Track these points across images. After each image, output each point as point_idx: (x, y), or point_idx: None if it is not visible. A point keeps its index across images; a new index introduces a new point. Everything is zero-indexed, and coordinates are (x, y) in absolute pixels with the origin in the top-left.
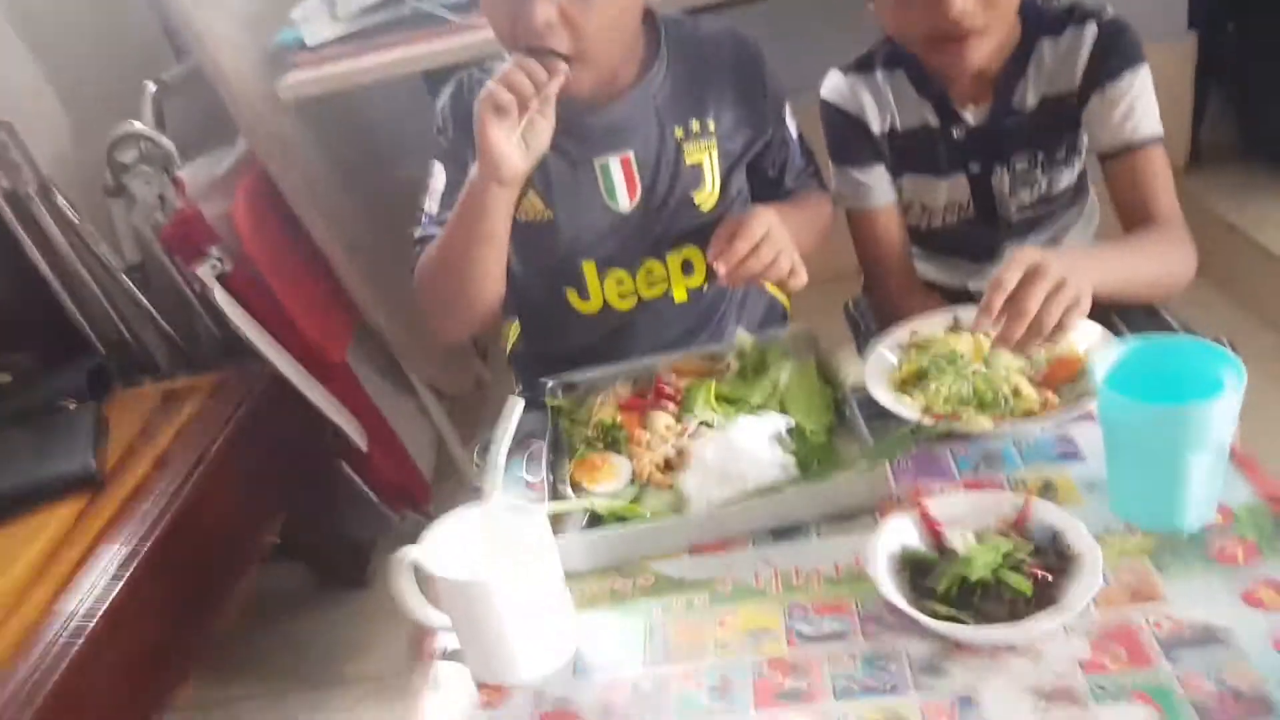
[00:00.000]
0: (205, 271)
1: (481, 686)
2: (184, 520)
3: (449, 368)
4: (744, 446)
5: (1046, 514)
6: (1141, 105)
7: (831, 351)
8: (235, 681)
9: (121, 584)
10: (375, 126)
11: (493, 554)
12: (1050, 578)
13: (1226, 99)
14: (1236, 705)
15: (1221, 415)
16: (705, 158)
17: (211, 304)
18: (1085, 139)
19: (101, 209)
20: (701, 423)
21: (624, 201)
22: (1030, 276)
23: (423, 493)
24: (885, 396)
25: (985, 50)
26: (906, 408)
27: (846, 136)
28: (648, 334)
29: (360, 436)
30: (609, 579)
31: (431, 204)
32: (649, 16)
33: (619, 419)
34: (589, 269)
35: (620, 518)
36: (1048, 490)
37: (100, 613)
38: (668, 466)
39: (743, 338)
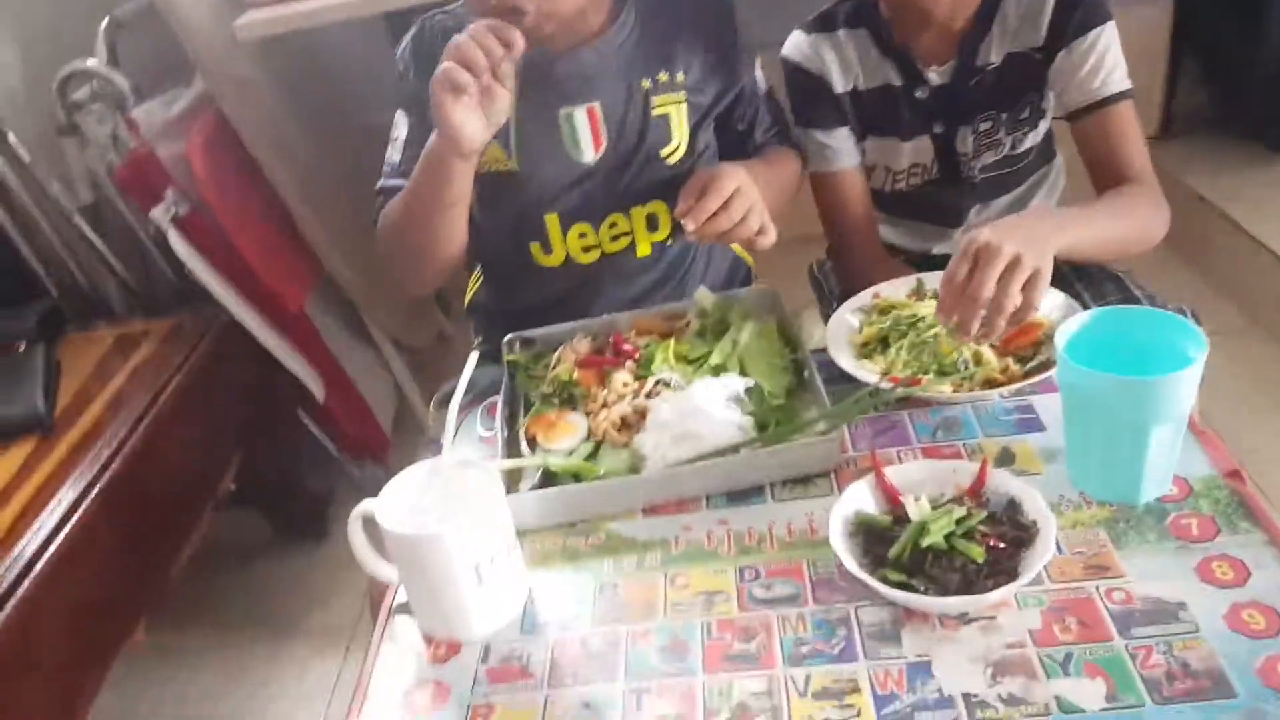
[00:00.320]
0: (160, 214)
1: (431, 641)
2: (136, 465)
3: (411, 319)
4: (702, 407)
5: (1003, 482)
6: (1109, 60)
7: (795, 313)
8: (191, 630)
9: (70, 527)
10: (337, 71)
11: (445, 509)
12: (1004, 546)
13: (1201, 67)
14: (1188, 679)
15: (1182, 388)
16: (673, 110)
17: (167, 247)
18: (1050, 99)
19: (55, 148)
20: (659, 381)
21: (589, 153)
22: (982, 260)
23: (381, 444)
24: (846, 359)
25: None
26: (866, 371)
27: (809, 98)
28: (610, 289)
29: (318, 386)
30: (562, 536)
31: (394, 153)
32: None
33: (576, 376)
34: (552, 221)
35: (575, 476)
36: (1006, 458)
37: (48, 556)
38: (624, 425)
39: (704, 296)
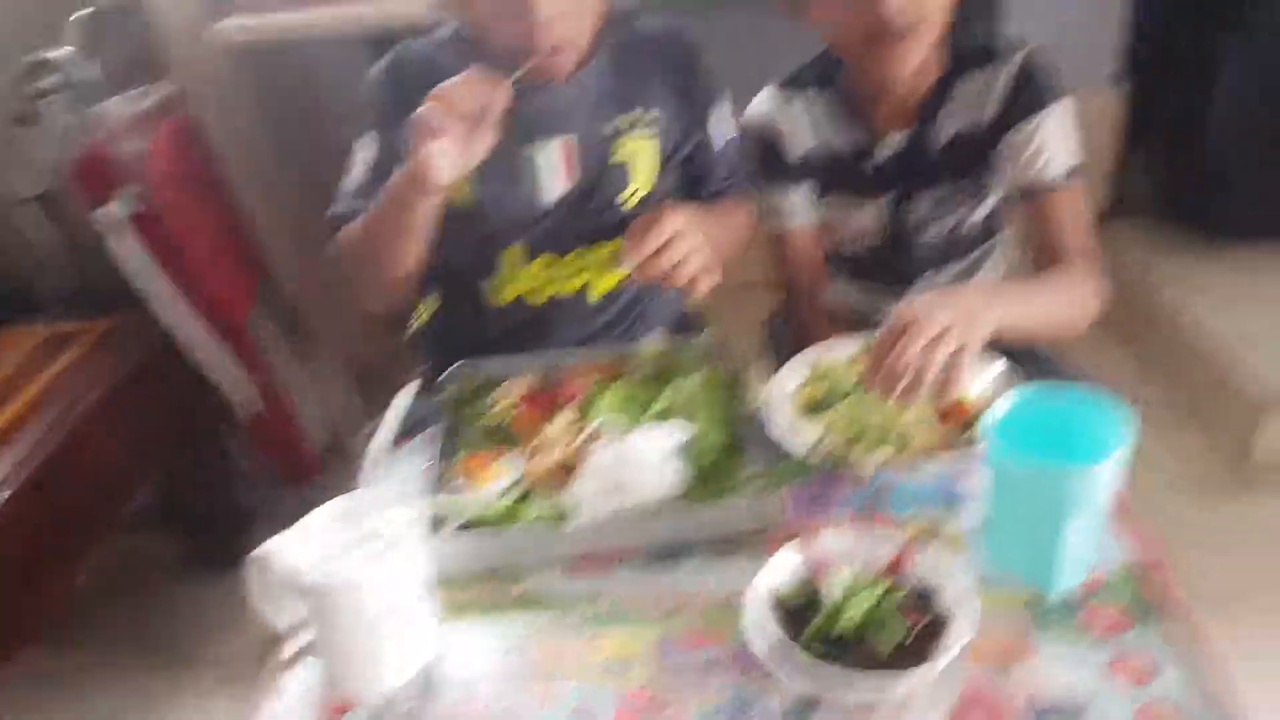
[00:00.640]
0: (111, 211)
1: (326, 695)
2: (49, 470)
3: (363, 338)
4: (638, 457)
5: (926, 560)
6: (1055, 143)
7: (745, 365)
8: (90, 650)
9: None
10: (315, 89)
11: (356, 551)
12: (922, 627)
13: (1151, 153)
14: None
15: (1103, 479)
16: (635, 153)
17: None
18: (999, 175)
19: (9, 135)
20: (598, 428)
21: (555, 189)
22: (910, 331)
23: (313, 469)
24: (783, 421)
25: (921, 51)
26: (802, 435)
27: (768, 157)
28: (561, 329)
29: (252, 402)
30: (480, 586)
31: (357, 173)
32: None
33: (516, 415)
34: (507, 257)
35: (502, 521)
36: (932, 535)
37: None
38: (560, 470)
39: (652, 343)
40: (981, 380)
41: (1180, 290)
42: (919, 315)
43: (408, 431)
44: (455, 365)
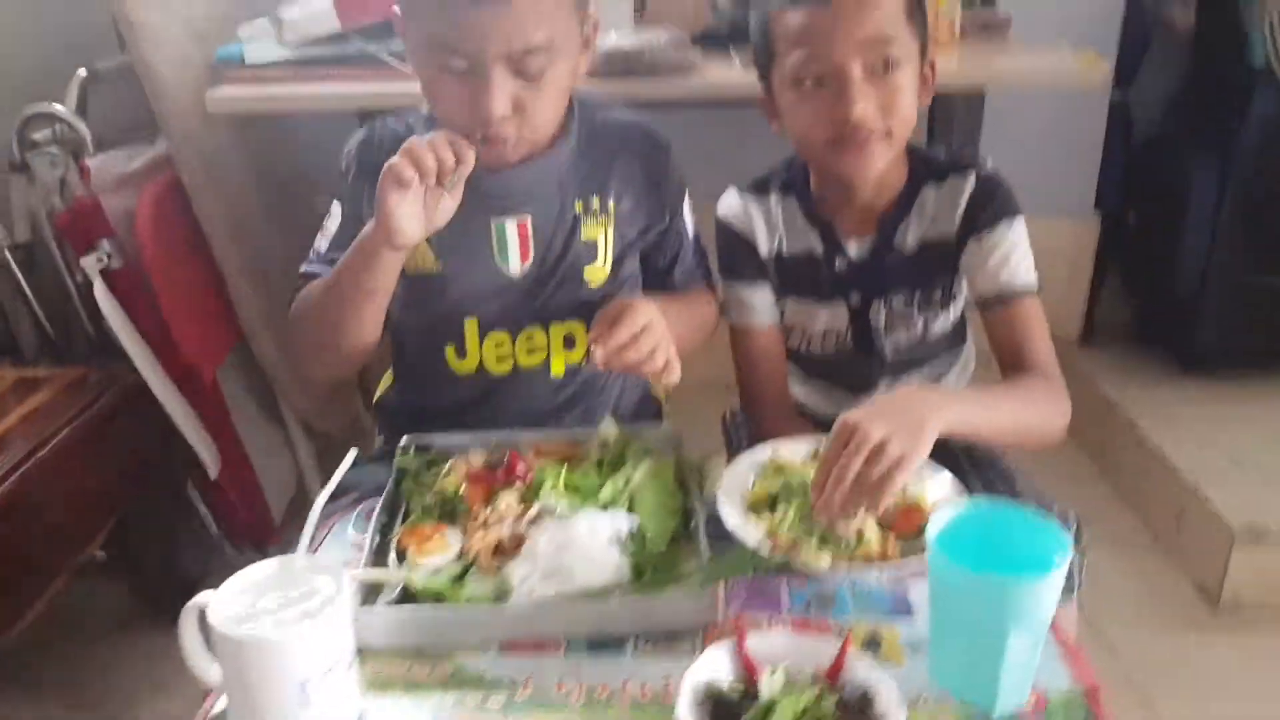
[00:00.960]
0: (91, 263)
1: None
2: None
3: (327, 407)
4: (580, 542)
5: (862, 669)
6: (1016, 257)
7: (702, 459)
8: (24, 702)
9: None
10: (304, 158)
11: (284, 613)
12: None
13: (1124, 281)
14: None
15: (1042, 594)
16: (601, 235)
17: (90, 299)
18: (963, 285)
19: (2, 184)
20: (544, 509)
21: (515, 265)
22: (851, 443)
23: (268, 531)
24: (732, 515)
25: (885, 157)
26: (751, 530)
27: (735, 253)
28: (520, 402)
29: (214, 461)
30: (407, 661)
31: (322, 241)
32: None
33: (463, 490)
34: (470, 327)
35: (436, 596)
36: (873, 642)
37: None
38: (500, 550)
39: (608, 427)
40: (938, 486)
41: (1153, 418)
42: (860, 425)
43: (353, 499)
44: (405, 438)
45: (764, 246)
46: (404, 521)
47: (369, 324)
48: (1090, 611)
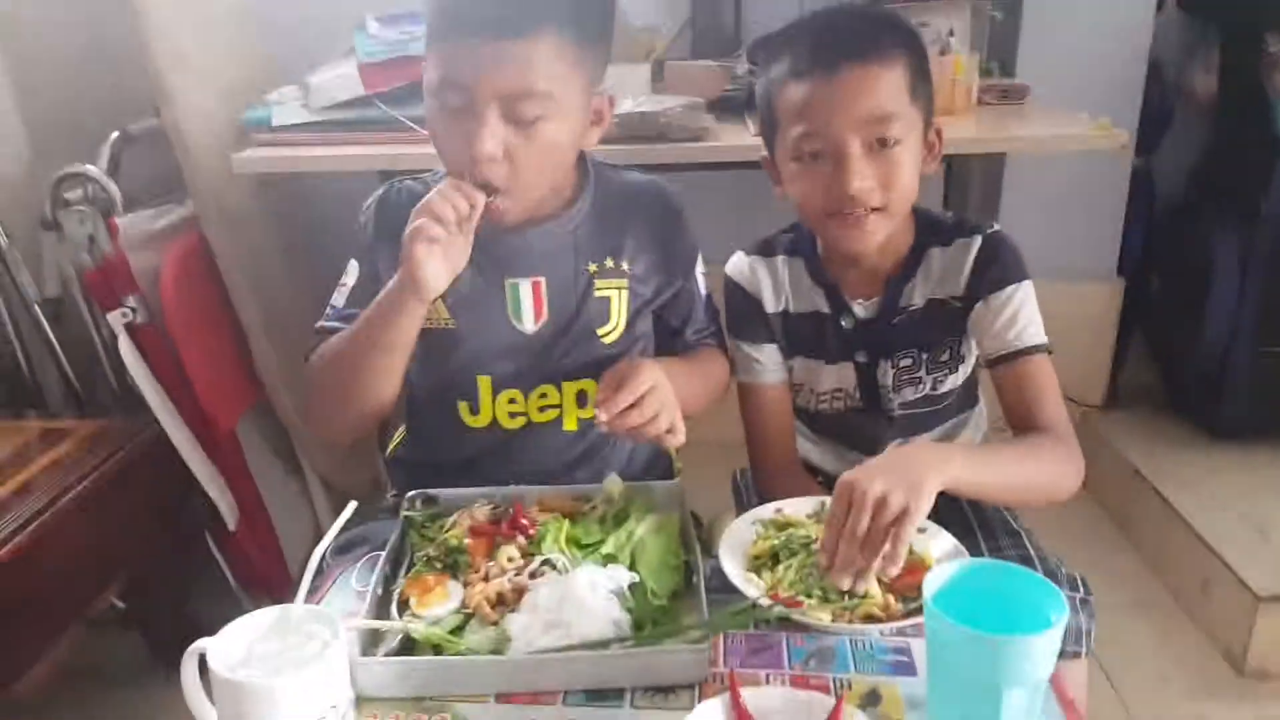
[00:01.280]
0: (116, 319)
1: None
2: (19, 561)
3: (347, 462)
4: (580, 596)
5: None
6: (1024, 316)
7: (713, 518)
8: None
9: None
10: (327, 217)
11: (282, 660)
12: None
13: (1149, 346)
14: None
15: (1036, 652)
16: (615, 295)
17: (115, 353)
18: (972, 346)
19: (35, 240)
20: (545, 562)
21: (529, 323)
22: (854, 504)
23: (283, 584)
24: (734, 569)
25: (883, 230)
26: (752, 585)
27: (743, 313)
28: (532, 457)
29: (232, 514)
30: (406, 710)
31: (339, 298)
32: (581, 157)
33: (466, 542)
34: (484, 384)
35: (435, 647)
36: (873, 699)
37: None
38: (500, 602)
39: (613, 483)
40: (940, 545)
41: (1177, 485)
42: (859, 483)
43: (367, 551)
44: (411, 491)
45: (771, 306)
46: (408, 573)
47: (388, 379)
48: (1115, 677)
